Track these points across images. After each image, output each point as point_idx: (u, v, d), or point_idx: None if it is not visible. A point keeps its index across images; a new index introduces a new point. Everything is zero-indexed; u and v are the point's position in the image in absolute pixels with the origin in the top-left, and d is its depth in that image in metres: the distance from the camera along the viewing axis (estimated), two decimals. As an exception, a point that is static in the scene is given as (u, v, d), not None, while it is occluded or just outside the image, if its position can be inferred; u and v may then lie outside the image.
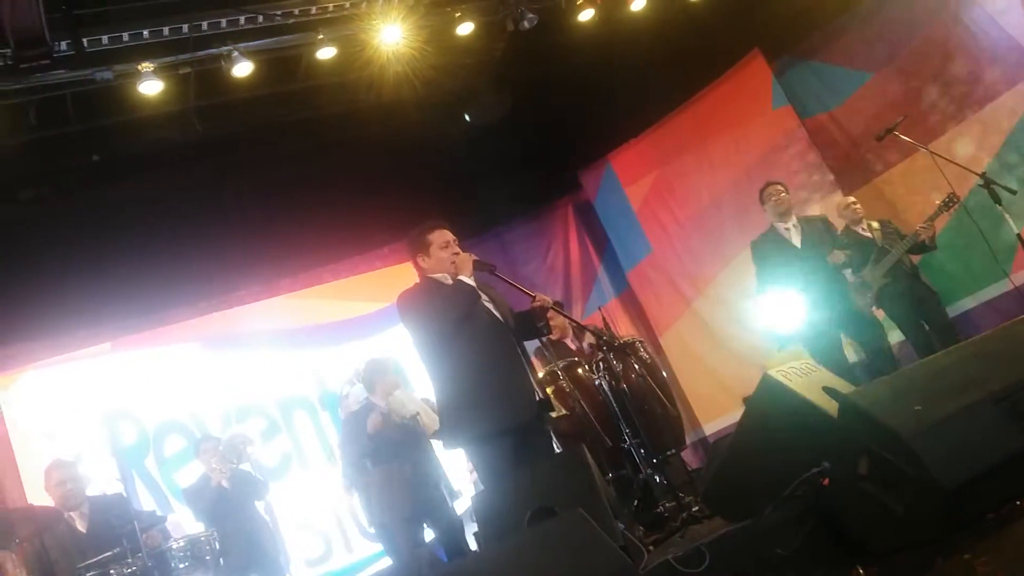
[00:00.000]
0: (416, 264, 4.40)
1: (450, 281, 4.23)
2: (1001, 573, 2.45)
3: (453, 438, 4.21)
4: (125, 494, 5.30)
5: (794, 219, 6.32)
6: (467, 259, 4.24)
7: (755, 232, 8.57)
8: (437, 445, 6.04)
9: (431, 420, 5.89)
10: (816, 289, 6.19)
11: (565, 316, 5.73)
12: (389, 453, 5.79)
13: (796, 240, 6.27)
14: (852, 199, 6.92)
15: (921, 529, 2.91)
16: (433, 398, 6.12)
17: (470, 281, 4.21)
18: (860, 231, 6.66)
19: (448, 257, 4.28)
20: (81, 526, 5.28)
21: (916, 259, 6.61)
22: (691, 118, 8.98)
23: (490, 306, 4.27)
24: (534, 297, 4.32)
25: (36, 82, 6.06)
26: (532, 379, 4.29)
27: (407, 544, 5.81)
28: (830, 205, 7.84)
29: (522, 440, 4.10)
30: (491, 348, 4.15)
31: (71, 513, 5.31)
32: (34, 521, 5.18)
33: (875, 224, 6.65)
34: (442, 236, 4.35)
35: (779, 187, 6.47)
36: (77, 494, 5.35)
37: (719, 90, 8.78)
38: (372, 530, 6.36)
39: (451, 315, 4.08)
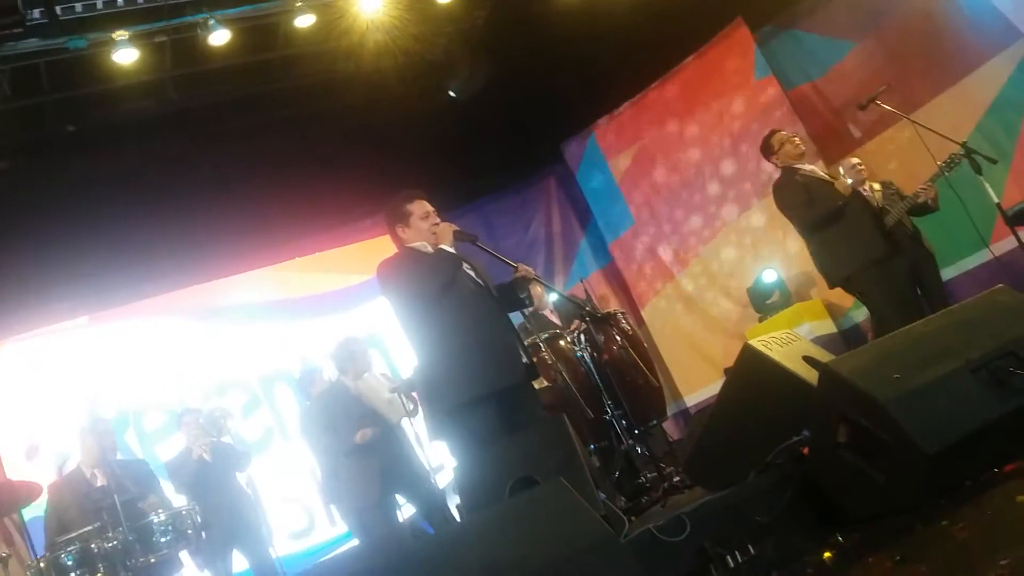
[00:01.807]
0: (395, 235, 4.35)
1: (431, 250, 4.20)
2: (979, 539, 2.47)
3: (438, 406, 4.18)
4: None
5: (809, 166, 5.98)
6: (448, 228, 4.21)
7: (739, 203, 8.62)
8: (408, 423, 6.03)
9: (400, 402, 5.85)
10: (863, 225, 5.78)
11: (547, 287, 5.72)
12: (364, 447, 5.75)
13: (824, 173, 5.90)
14: (857, 160, 6.78)
15: (900, 496, 2.93)
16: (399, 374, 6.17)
17: (451, 250, 4.18)
18: (862, 192, 6.61)
19: (428, 227, 4.24)
20: (100, 483, 5.33)
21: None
22: (674, 89, 8.94)
23: (471, 274, 4.26)
24: (516, 267, 4.31)
25: (9, 51, 5.98)
26: (519, 343, 4.28)
27: (378, 526, 5.77)
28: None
29: (510, 405, 4.09)
30: (475, 313, 4.13)
31: (95, 471, 5.32)
32: (13, 495, 5.17)
33: (876, 186, 6.58)
34: (422, 207, 4.31)
35: (791, 131, 6.07)
36: (111, 450, 5.51)
37: (702, 60, 8.74)
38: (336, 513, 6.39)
39: (434, 282, 4.05)
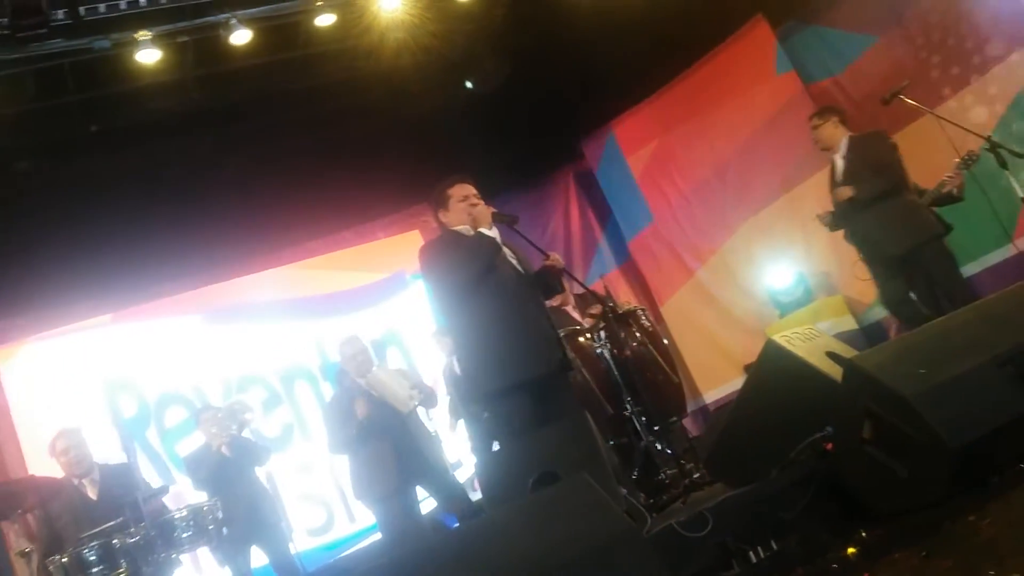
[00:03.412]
0: (437, 220, 4.40)
1: (471, 233, 4.20)
2: (1006, 534, 2.45)
3: (475, 392, 4.18)
4: (129, 463, 5.31)
5: (843, 146, 5.88)
6: (486, 211, 4.20)
7: (759, 199, 8.59)
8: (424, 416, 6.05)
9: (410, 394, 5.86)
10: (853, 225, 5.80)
11: (574, 280, 5.72)
12: (374, 432, 5.75)
13: (839, 171, 5.88)
14: None
15: (925, 491, 2.91)
16: (410, 371, 6.19)
17: (491, 233, 4.17)
18: None
19: (466, 208, 4.26)
20: (92, 493, 5.28)
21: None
22: (694, 85, 8.90)
23: (513, 260, 4.26)
24: (548, 256, 4.31)
25: (33, 52, 6.02)
26: (555, 333, 4.28)
27: (399, 516, 5.79)
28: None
29: (544, 395, 4.09)
30: (514, 300, 4.13)
31: (82, 480, 5.30)
32: (37, 492, 5.18)
33: None
34: (462, 190, 4.34)
35: (813, 121, 6.01)
36: (82, 461, 5.31)
37: (722, 56, 8.70)
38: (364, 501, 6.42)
39: (473, 267, 4.06)
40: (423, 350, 8.05)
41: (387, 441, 5.72)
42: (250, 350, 8.18)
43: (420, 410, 5.97)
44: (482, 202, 4.30)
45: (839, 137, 5.88)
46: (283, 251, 8.55)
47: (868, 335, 7.74)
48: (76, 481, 5.29)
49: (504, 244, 4.27)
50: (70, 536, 4.94)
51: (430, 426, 6.09)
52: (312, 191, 7.89)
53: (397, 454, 5.70)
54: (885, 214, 5.64)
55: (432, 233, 7.75)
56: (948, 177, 5.96)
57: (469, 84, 8.25)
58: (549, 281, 4.34)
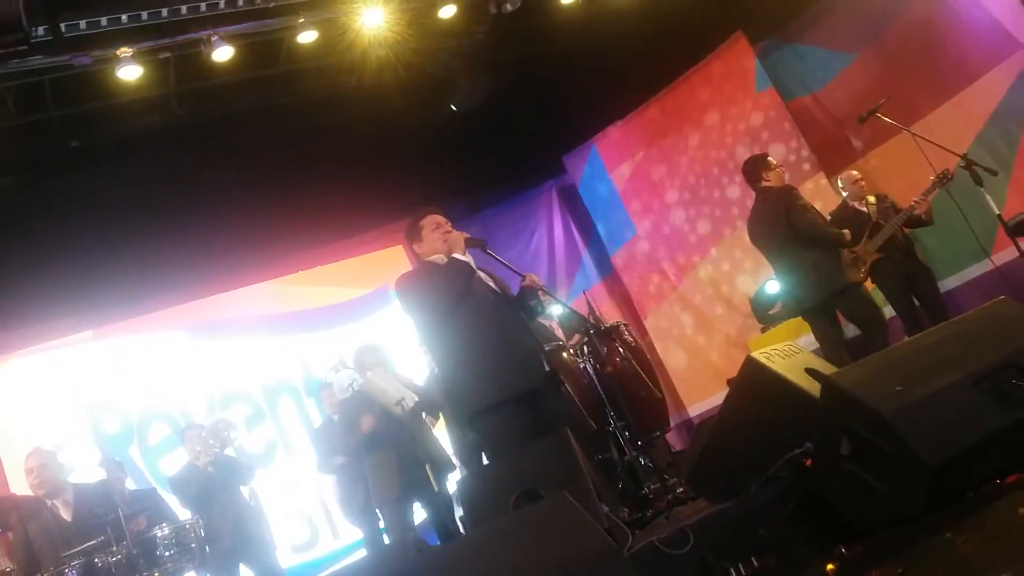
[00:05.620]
0: (413, 252, 4.54)
1: (445, 261, 4.25)
2: (981, 551, 2.47)
3: (461, 413, 4.20)
4: (107, 481, 5.27)
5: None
6: (458, 237, 4.27)
7: (740, 214, 8.65)
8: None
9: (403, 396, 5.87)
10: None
11: (553, 298, 5.73)
12: (380, 441, 5.79)
13: None
14: (858, 174, 6.84)
15: (903, 507, 2.93)
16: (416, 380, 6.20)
17: (464, 258, 4.23)
18: (857, 206, 6.65)
19: (439, 236, 4.32)
20: (66, 514, 5.22)
21: (909, 234, 6.63)
22: (675, 101, 8.98)
23: (490, 283, 4.30)
24: (524, 277, 4.35)
25: (13, 68, 6.01)
26: (539, 349, 4.30)
27: (397, 525, 5.81)
28: (820, 186, 7.92)
29: (532, 410, 4.11)
30: (492, 319, 4.17)
31: (54, 501, 5.25)
32: (17, 510, 5.15)
33: (871, 199, 6.63)
34: (433, 220, 4.40)
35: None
36: (49, 482, 5.23)
37: (703, 73, 8.78)
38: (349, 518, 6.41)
39: (448, 292, 4.10)
40: (407, 365, 8.04)
41: (391, 448, 5.77)
42: (233, 366, 8.16)
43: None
44: (454, 230, 4.36)
45: None
46: (266, 266, 8.54)
47: (849, 350, 7.79)
48: (49, 502, 5.24)
49: (480, 269, 4.33)
50: (46, 558, 4.89)
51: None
52: (295, 207, 7.89)
53: (400, 460, 5.74)
54: None
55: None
56: (916, 201, 6.09)
57: (453, 107, 8.28)
58: (529, 301, 4.37)
